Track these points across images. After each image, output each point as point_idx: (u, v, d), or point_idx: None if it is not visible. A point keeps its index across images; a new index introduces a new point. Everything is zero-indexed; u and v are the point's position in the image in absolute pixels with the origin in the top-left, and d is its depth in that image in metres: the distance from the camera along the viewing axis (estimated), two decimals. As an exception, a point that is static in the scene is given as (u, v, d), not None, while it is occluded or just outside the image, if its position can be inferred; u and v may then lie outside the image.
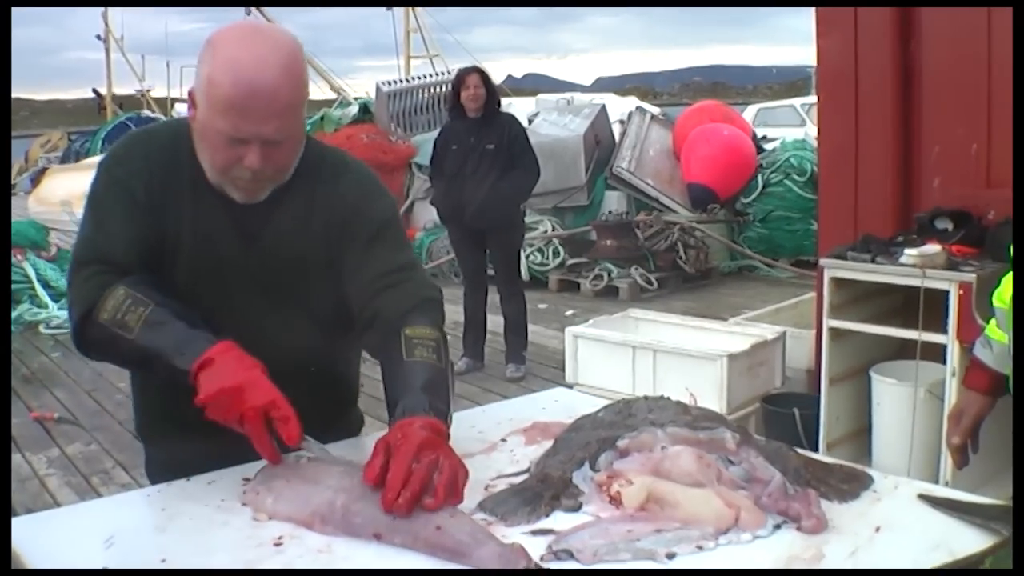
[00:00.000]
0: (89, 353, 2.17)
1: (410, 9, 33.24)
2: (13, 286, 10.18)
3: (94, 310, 2.07)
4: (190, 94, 2.12)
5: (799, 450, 2.07)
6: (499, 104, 7.64)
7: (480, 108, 7.35)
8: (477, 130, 7.37)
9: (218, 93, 2.02)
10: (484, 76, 7.48)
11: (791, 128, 18.76)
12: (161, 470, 2.38)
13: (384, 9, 33.75)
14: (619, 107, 16.98)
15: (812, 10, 5.59)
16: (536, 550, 1.69)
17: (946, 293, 4.35)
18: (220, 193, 2.18)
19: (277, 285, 2.25)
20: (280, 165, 2.14)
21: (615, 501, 1.83)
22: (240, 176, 2.12)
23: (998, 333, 2.37)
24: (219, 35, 2.09)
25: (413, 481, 1.78)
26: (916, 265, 4.42)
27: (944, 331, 4.38)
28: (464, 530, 1.73)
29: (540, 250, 11.64)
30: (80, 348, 2.16)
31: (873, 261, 4.62)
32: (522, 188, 7.54)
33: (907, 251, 4.48)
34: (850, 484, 1.96)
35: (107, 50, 44.27)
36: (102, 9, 44.40)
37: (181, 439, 2.25)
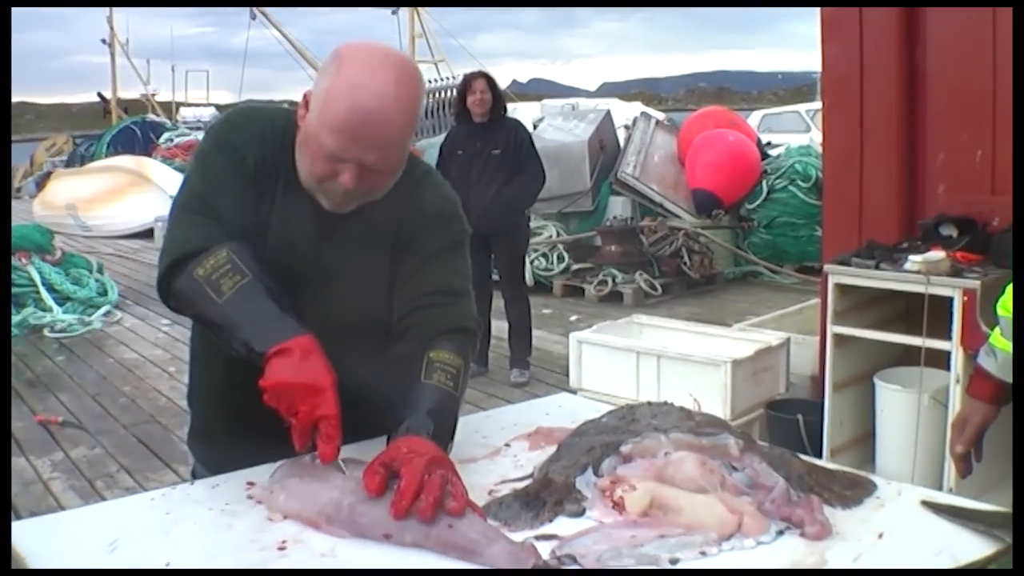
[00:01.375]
0: (169, 301, 2.14)
1: (415, 14, 33.30)
2: (18, 290, 10.19)
3: (192, 263, 2.05)
4: (305, 96, 2.14)
5: (803, 456, 2.07)
6: (505, 109, 7.65)
7: (486, 113, 7.37)
8: (483, 135, 7.39)
9: (332, 112, 2.04)
10: (491, 81, 7.49)
11: (796, 134, 18.75)
12: (202, 445, 2.53)
13: (389, 13, 33.84)
14: (624, 112, 16.99)
15: (817, 16, 5.59)
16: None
17: (950, 300, 4.35)
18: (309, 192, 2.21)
19: (336, 286, 2.26)
20: (373, 188, 2.15)
21: (618, 506, 1.83)
22: (333, 190, 2.13)
23: (1002, 342, 2.37)
24: (348, 51, 2.10)
25: (432, 487, 1.78)
26: (920, 272, 4.42)
27: (948, 338, 4.38)
28: (476, 528, 1.75)
29: (545, 255, 11.64)
30: (162, 292, 2.15)
31: (877, 267, 4.62)
32: (527, 193, 7.55)
33: (911, 257, 4.48)
34: (853, 490, 1.96)
35: (112, 54, 44.40)
36: (107, 13, 44.52)
37: (230, 438, 2.32)
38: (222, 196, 2.16)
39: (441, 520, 1.75)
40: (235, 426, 2.26)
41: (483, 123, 7.40)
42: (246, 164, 2.19)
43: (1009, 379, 2.34)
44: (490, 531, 1.75)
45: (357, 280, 2.27)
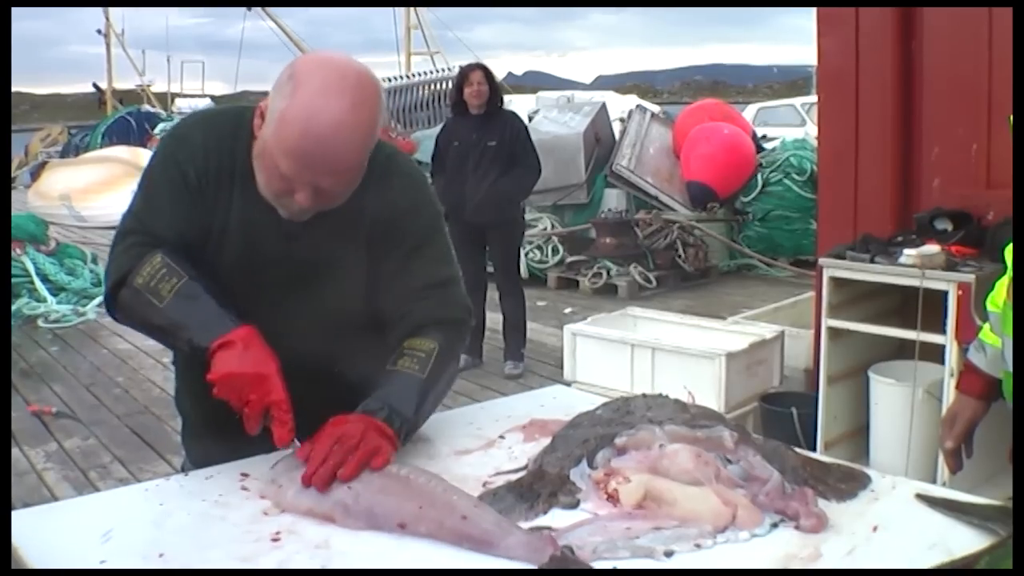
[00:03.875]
0: (118, 316, 2.23)
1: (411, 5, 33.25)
2: (12, 280, 10.17)
3: (131, 275, 2.13)
4: (260, 108, 2.11)
5: (797, 449, 2.07)
6: (502, 101, 7.62)
7: (483, 105, 7.35)
8: (479, 127, 7.37)
9: (286, 136, 2.01)
10: (487, 73, 7.48)
11: (791, 127, 18.76)
12: (190, 445, 2.61)
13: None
14: (619, 105, 16.99)
15: (813, 10, 5.59)
16: (534, 547, 1.70)
17: (945, 293, 4.35)
18: None
19: (312, 284, 2.27)
20: (329, 203, 2.14)
21: (612, 499, 1.84)
22: (288, 205, 2.13)
23: (992, 337, 2.37)
24: (305, 68, 2.06)
25: (329, 459, 1.90)
26: (915, 265, 4.42)
27: (943, 331, 4.38)
28: (489, 519, 1.76)
29: (539, 247, 11.63)
30: (110, 311, 2.24)
31: (872, 261, 4.62)
32: (523, 186, 7.53)
33: (906, 251, 4.49)
34: (848, 483, 1.96)
35: (108, 44, 44.35)
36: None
37: (211, 437, 2.35)
38: (160, 216, 2.21)
39: (455, 511, 1.77)
40: (216, 425, 2.25)
41: (479, 115, 7.38)
42: (187, 179, 2.20)
43: (998, 375, 2.34)
44: (504, 522, 1.75)
45: (333, 274, 2.27)
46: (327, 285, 2.27)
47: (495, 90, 7.48)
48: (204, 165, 2.20)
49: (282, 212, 2.16)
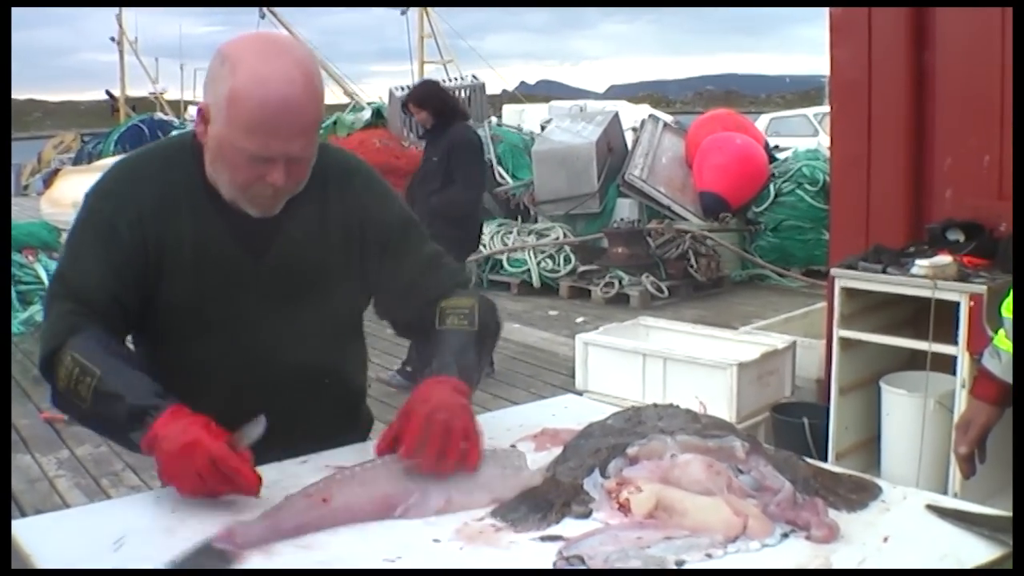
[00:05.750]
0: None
1: (424, 15, 33.31)
2: (24, 287, 10.19)
3: (54, 375, 2.06)
4: (201, 110, 2.08)
5: (808, 459, 2.07)
6: (453, 115, 7.63)
7: (433, 126, 7.51)
8: (431, 142, 7.59)
9: (244, 111, 1.99)
10: (421, 98, 7.61)
11: (804, 138, 18.71)
12: None
13: (398, 14, 33.85)
14: (632, 114, 16.97)
15: (826, 20, 5.58)
16: (547, 556, 1.70)
17: (956, 304, 4.34)
18: (223, 208, 2.15)
19: (290, 296, 2.25)
20: (300, 179, 2.14)
21: (624, 508, 1.84)
22: (261, 193, 2.10)
23: (1006, 343, 2.37)
24: (235, 48, 2.05)
25: (432, 439, 1.95)
26: (927, 276, 4.41)
27: (954, 342, 4.37)
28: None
29: (551, 256, 11.64)
30: (45, 377, 2.12)
31: (884, 271, 4.62)
32: (453, 203, 7.34)
33: (918, 262, 4.48)
34: (859, 494, 1.96)
35: (121, 52, 44.51)
36: (116, 11, 44.63)
37: None
38: (86, 278, 2.13)
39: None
40: None
41: (431, 131, 7.56)
42: (118, 233, 2.14)
43: (1011, 380, 2.34)
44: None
45: (312, 284, 2.27)
46: (307, 295, 2.26)
47: (438, 108, 7.53)
48: (137, 213, 2.15)
49: (253, 211, 2.14)
